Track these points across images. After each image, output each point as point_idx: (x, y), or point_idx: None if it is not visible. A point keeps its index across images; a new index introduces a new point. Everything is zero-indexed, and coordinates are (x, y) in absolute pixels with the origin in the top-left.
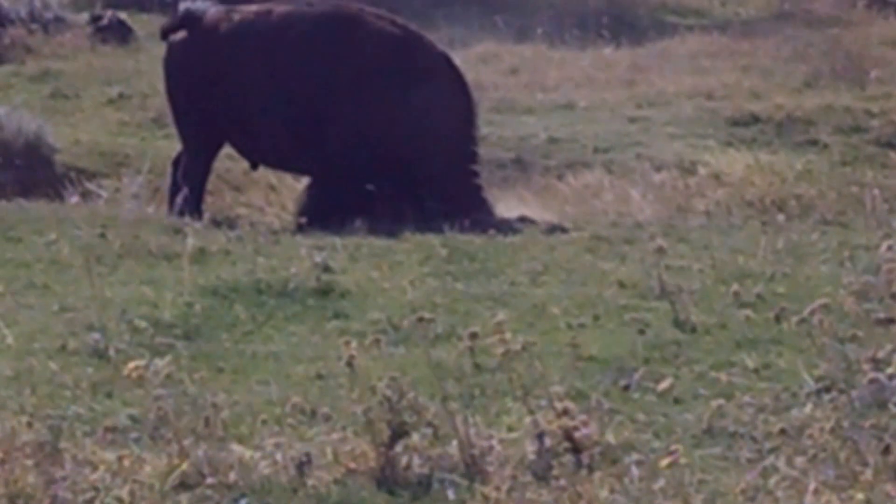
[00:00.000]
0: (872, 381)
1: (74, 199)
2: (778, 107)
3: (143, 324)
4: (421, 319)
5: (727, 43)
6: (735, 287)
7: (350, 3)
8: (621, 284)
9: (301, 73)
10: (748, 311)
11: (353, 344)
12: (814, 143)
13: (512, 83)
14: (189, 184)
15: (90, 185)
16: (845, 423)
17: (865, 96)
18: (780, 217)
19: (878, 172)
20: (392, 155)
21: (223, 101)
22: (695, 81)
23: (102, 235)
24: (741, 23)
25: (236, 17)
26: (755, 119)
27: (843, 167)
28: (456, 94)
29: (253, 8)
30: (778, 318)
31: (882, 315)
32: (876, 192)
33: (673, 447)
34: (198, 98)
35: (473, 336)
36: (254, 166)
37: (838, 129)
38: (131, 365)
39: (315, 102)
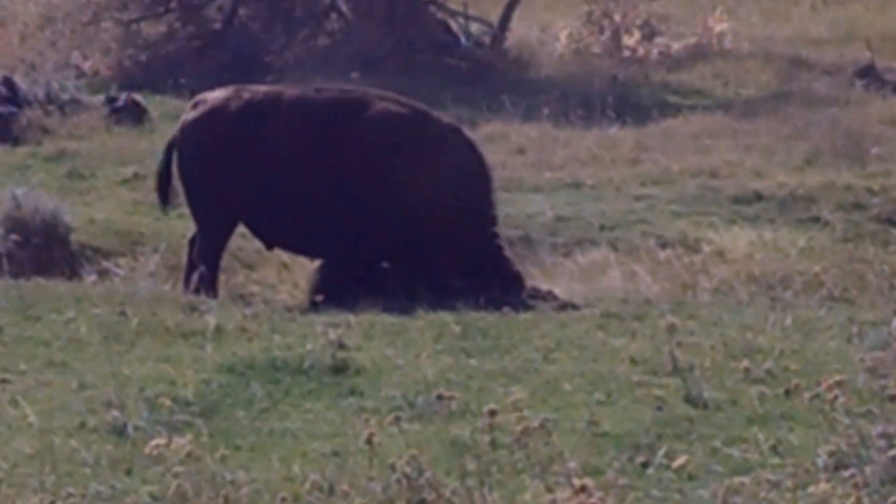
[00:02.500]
0: (892, 458)
1: (92, 277)
2: (780, 185)
3: (161, 401)
4: (440, 397)
5: (729, 123)
6: (746, 363)
7: (357, 88)
8: (633, 361)
9: (309, 158)
10: (759, 388)
11: (372, 421)
12: (816, 220)
13: (519, 162)
14: (203, 263)
15: (107, 264)
16: (866, 501)
17: (866, 174)
18: (788, 294)
19: (881, 249)
20: (406, 231)
21: (234, 183)
22: (698, 160)
23: (121, 313)
24: (742, 103)
25: (246, 95)
26: (758, 197)
27: (845, 244)
28: (468, 163)
29: (263, 89)
30: (789, 394)
31: (894, 391)
32: (882, 268)
33: None
34: (208, 179)
35: (493, 413)
36: (268, 247)
37: (840, 207)
38: (153, 443)
39: (324, 185)
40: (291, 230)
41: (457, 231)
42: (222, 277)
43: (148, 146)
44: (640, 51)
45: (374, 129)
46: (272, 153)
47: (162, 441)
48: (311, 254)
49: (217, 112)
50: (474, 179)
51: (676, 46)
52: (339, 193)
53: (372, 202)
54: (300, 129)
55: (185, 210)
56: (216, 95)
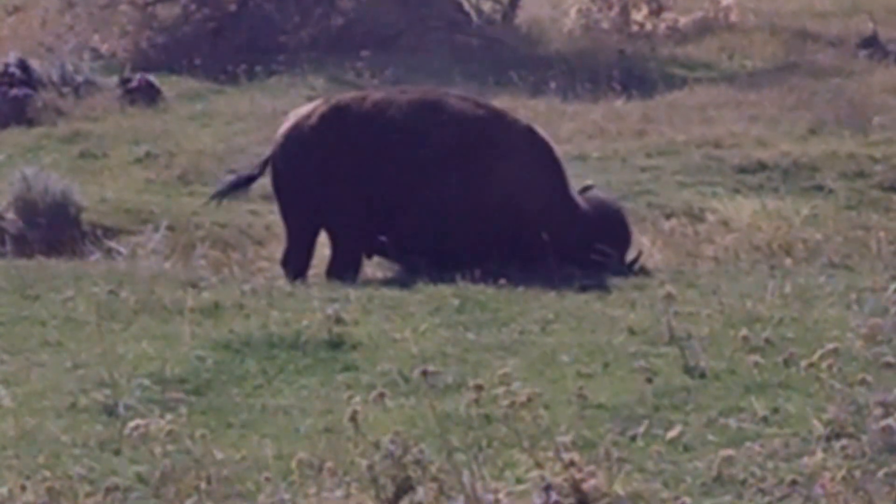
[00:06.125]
0: (884, 428)
1: (95, 256)
2: (784, 154)
3: (153, 379)
4: (424, 373)
5: (734, 94)
6: (744, 332)
7: (436, 89)
8: (631, 331)
9: (391, 159)
10: (757, 356)
11: (357, 398)
12: (819, 188)
13: None
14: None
15: (110, 243)
16: (857, 473)
17: (869, 142)
18: (787, 261)
19: (883, 216)
20: (483, 233)
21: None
22: (703, 131)
23: (110, 292)
24: (747, 75)
25: (332, 101)
26: (762, 166)
27: (848, 211)
28: (542, 164)
29: (348, 95)
30: (787, 363)
31: (891, 358)
32: (881, 235)
33: (682, 497)
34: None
35: (478, 388)
36: (368, 256)
37: (843, 175)
38: (132, 424)
39: (404, 187)
40: (385, 237)
41: (533, 233)
42: (231, 254)
43: (161, 125)
44: (648, 26)
45: (448, 131)
46: (355, 157)
47: (143, 422)
48: (402, 260)
49: (304, 119)
50: (546, 182)
51: (684, 21)
52: (416, 194)
53: (457, 205)
54: (382, 130)
55: (195, 188)
56: (304, 109)
